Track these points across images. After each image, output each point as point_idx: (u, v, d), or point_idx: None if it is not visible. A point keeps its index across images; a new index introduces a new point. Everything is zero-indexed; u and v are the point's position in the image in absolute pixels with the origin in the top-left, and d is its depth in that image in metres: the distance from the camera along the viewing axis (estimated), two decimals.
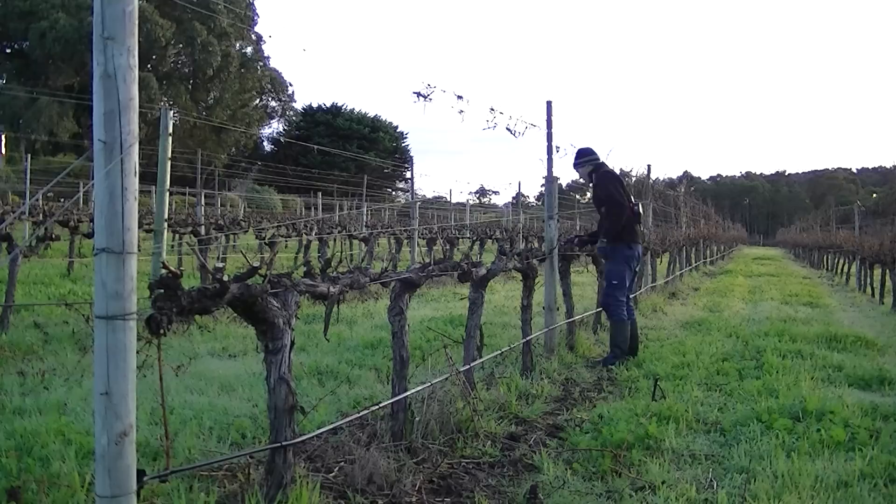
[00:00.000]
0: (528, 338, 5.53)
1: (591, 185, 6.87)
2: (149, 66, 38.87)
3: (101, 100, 1.90)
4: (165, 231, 7.57)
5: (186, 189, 22.41)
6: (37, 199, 16.30)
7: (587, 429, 4.15)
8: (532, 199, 40.21)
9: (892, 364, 6.11)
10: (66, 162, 28.35)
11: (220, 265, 2.38)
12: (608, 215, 6.34)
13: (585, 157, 6.67)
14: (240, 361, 5.66)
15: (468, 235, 17.43)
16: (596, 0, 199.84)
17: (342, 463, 3.30)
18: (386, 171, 47.84)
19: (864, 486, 3.26)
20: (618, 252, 6.36)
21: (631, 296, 6.80)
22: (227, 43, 43.58)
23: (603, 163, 6.72)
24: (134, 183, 1.94)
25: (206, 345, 6.23)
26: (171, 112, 7.40)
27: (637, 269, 6.91)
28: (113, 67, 1.89)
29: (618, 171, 7.29)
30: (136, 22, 1.95)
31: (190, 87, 44.11)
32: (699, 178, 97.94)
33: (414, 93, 5.13)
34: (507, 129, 5.89)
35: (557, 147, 6.50)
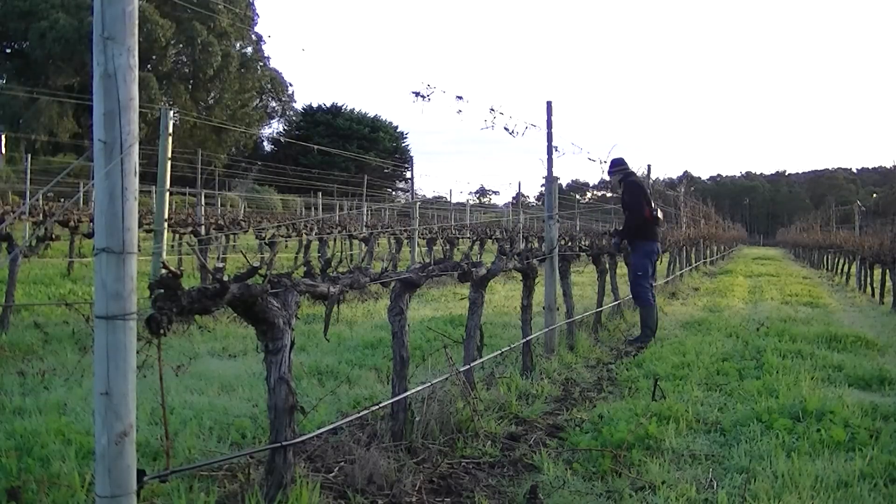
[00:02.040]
0: (528, 338, 5.53)
1: (620, 190, 7.98)
2: (149, 66, 38.86)
3: (101, 100, 1.90)
4: (165, 231, 7.58)
5: (186, 189, 22.42)
6: (37, 199, 16.30)
7: (587, 429, 4.15)
8: (532, 199, 40.22)
9: (892, 364, 6.11)
10: (66, 162, 28.32)
11: (220, 265, 2.38)
12: (628, 218, 7.75)
13: (618, 167, 7.93)
14: (240, 361, 5.66)
15: (468, 235, 17.43)
16: (596, 0, 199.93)
17: (342, 463, 3.30)
18: (386, 171, 47.85)
19: (864, 486, 3.26)
20: (640, 248, 7.67)
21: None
22: (227, 43, 43.55)
23: (632, 172, 7.96)
24: (134, 183, 1.94)
25: (206, 345, 6.23)
26: (171, 112, 7.40)
27: (656, 263, 8.29)
28: (113, 67, 1.89)
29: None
30: (136, 22, 1.95)
31: (190, 87, 44.09)
32: (699, 178, 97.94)
33: (413, 92, 5.14)
34: (506, 128, 5.89)
35: (556, 147, 6.51)
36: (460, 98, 5.47)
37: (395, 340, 3.69)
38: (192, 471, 3.02)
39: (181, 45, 42.24)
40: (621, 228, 8.10)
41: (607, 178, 8.02)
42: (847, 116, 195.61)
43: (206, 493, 2.85)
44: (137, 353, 1.99)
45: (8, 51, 41.23)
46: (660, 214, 8.10)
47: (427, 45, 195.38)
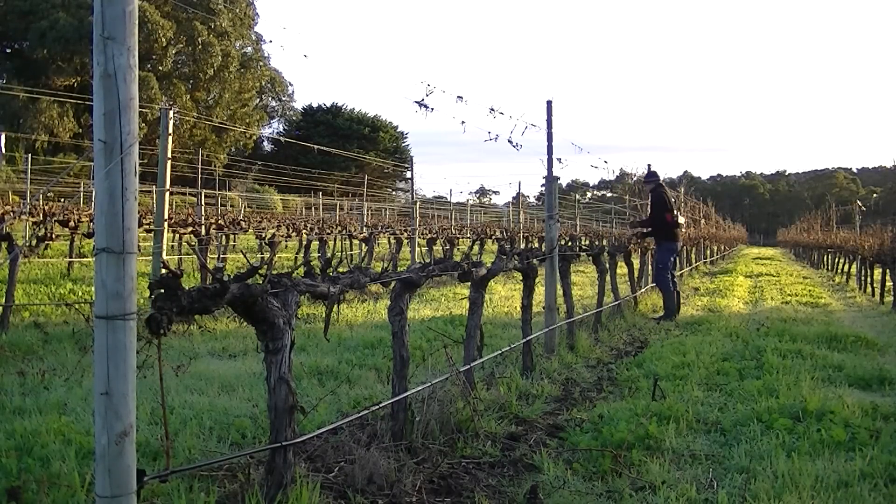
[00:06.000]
0: (528, 338, 5.52)
1: (650, 197, 10.26)
2: (149, 65, 38.78)
3: (101, 100, 1.90)
4: (165, 231, 7.58)
5: (186, 189, 22.43)
6: (37, 199, 16.30)
7: (587, 429, 4.15)
8: (532, 199, 40.23)
9: (892, 364, 6.10)
10: (66, 162, 28.28)
11: (220, 265, 2.38)
12: (651, 218, 10.00)
13: (651, 179, 10.33)
14: (240, 361, 5.66)
15: (468, 235, 17.43)
16: (596, 0, 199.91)
17: (342, 463, 3.30)
18: (386, 170, 47.81)
19: (864, 485, 3.26)
20: (662, 246, 9.63)
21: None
22: (227, 43, 43.46)
23: (661, 184, 10.19)
24: (134, 183, 1.94)
25: (206, 345, 6.23)
26: (171, 112, 7.40)
27: (675, 258, 10.47)
28: (113, 67, 1.89)
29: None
30: (136, 22, 1.95)
31: (190, 87, 44.01)
32: (699, 178, 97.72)
33: (415, 102, 5.14)
34: (509, 141, 5.86)
35: (559, 158, 6.54)
36: (460, 98, 5.46)
37: (395, 340, 3.69)
38: (192, 471, 3.02)
39: (181, 45, 42.16)
40: (645, 221, 10.30)
41: (644, 185, 10.17)
42: (847, 116, 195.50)
43: (206, 493, 2.84)
44: (137, 353, 1.99)
45: (8, 51, 41.15)
46: (681, 219, 10.11)
47: (427, 45, 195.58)
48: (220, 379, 4.92)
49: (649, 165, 13.80)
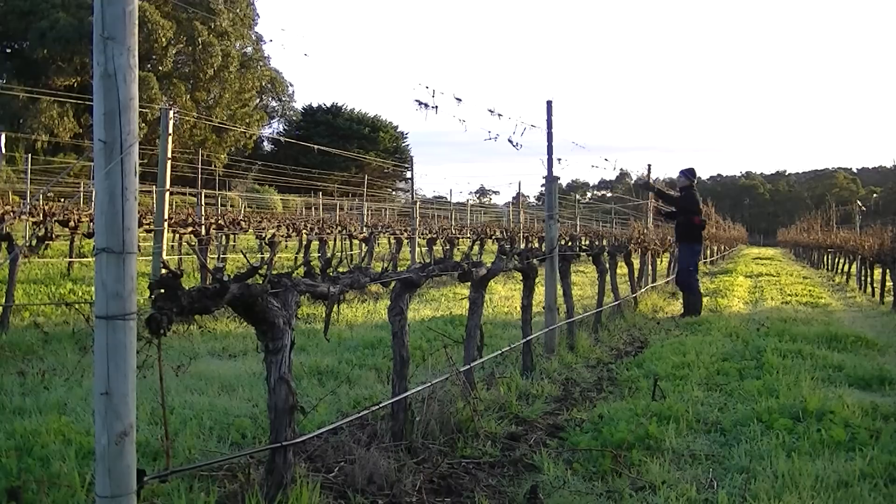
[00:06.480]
0: (528, 338, 5.52)
1: (679, 189, 10.05)
2: (149, 65, 38.76)
3: (101, 100, 1.90)
4: (165, 231, 7.59)
5: (186, 189, 22.44)
6: (37, 199, 16.29)
7: (587, 429, 4.15)
8: (532, 199, 40.25)
9: (892, 364, 6.10)
10: (66, 162, 28.27)
11: (220, 265, 2.38)
12: (677, 212, 9.84)
13: (688, 176, 9.80)
14: (240, 361, 5.66)
15: (468, 235, 17.43)
16: (596, 0, 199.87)
17: (342, 463, 3.30)
18: (386, 170, 47.81)
19: (864, 485, 3.26)
20: (691, 248, 9.59)
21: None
22: (227, 43, 43.45)
23: (693, 185, 9.84)
24: (134, 183, 1.94)
25: (206, 345, 6.23)
26: (172, 112, 7.40)
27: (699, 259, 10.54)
28: (113, 67, 1.89)
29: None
30: (136, 22, 1.95)
31: (190, 87, 43.98)
32: (699, 177, 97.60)
33: (416, 101, 5.13)
34: (509, 140, 5.86)
35: (559, 159, 6.53)
36: (459, 100, 5.45)
37: (395, 340, 3.69)
38: (192, 471, 3.02)
39: (181, 45, 42.13)
40: (672, 202, 10.10)
41: (678, 177, 10.07)
42: (847, 116, 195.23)
43: (206, 493, 2.84)
44: (137, 353, 1.99)
45: (8, 51, 41.14)
46: (706, 221, 10.38)
47: (427, 44, 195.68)
48: (220, 379, 4.92)
49: (649, 165, 13.74)
